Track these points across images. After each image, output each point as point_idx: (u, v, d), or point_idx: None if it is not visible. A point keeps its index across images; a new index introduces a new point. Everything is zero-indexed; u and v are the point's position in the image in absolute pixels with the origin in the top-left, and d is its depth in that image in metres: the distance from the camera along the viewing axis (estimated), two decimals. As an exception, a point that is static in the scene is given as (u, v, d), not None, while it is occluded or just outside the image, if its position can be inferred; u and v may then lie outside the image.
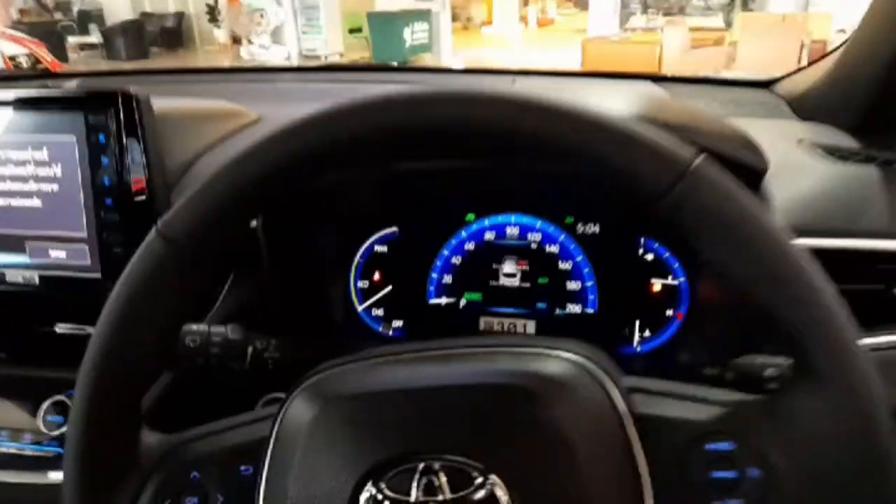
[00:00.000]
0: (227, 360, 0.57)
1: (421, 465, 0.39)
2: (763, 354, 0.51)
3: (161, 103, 0.70)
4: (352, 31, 10.18)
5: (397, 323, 0.82)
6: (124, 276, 0.40)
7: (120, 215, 0.67)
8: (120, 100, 0.66)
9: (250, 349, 0.58)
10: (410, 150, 0.41)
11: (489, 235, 0.79)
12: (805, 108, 0.90)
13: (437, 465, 0.38)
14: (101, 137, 0.67)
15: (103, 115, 0.66)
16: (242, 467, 0.43)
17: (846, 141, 0.74)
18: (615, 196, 0.71)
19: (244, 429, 0.45)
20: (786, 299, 0.36)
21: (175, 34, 13.21)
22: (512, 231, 0.79)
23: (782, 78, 1.01)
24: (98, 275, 0.69)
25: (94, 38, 12.44)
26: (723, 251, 0.36)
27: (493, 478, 0.38)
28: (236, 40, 11.41)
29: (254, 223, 0.66)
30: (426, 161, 0.65)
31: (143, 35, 12.45)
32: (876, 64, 0.74)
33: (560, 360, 0.42)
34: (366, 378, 0.43)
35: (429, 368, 0.43)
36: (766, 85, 1.02)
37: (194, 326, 0.57)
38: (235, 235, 0.43)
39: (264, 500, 0.41)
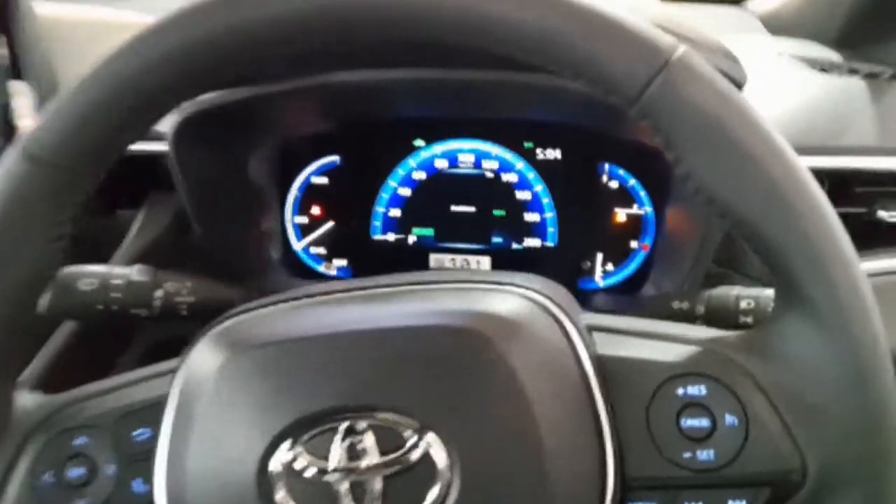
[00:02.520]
0: (132, 307, 0.49)
1: (344, 425, 0.32)
2: (738, 286, 0.46)
3: (51, 10, 0.60)
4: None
5: (340, 262, 0.75)
6: None
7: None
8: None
9: (159, 292, 0.50)
10: (322, 39, 0.33)
11: (440, 164, 0.72)
12: (781, 24, 0.84)
13: (363, 424, 0.32)
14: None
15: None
16: (138, 431, 0.37)
17: (827, 54, 0.68)
18: (577, 114, 0.65)
19: (140, 386, 0.38)
20: (778, 211, 0.30)
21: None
22: (465, 158, 0.72)
23: (754, -7, 0.94)
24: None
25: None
26: (709, 155, 0.30)
27: (430, 436, 0.32)
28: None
29: (164, 146, 0.57)
30: (361, 69, 0.57)
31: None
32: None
33: (511, 296, 0.36)
34: (282, 322, 0.37)
35: (357, 310, 0.36)
36: (736, 1, 0.95)
37: (90, 267, 0.49)
38: (120, 151, 0.35)
39: (163, 469, 0.35)
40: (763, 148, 0.30)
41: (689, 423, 0.33)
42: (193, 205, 0.58)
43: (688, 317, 0.45)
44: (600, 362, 0.35)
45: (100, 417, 0.37)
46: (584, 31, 0.31)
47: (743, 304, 0.43)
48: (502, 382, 0.32)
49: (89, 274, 0.49)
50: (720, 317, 0.44)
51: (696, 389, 0.33)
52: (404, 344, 0.34)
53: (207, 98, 0.57)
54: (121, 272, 0.50)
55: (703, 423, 0.33)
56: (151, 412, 0.36)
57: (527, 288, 0.37)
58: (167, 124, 0.56)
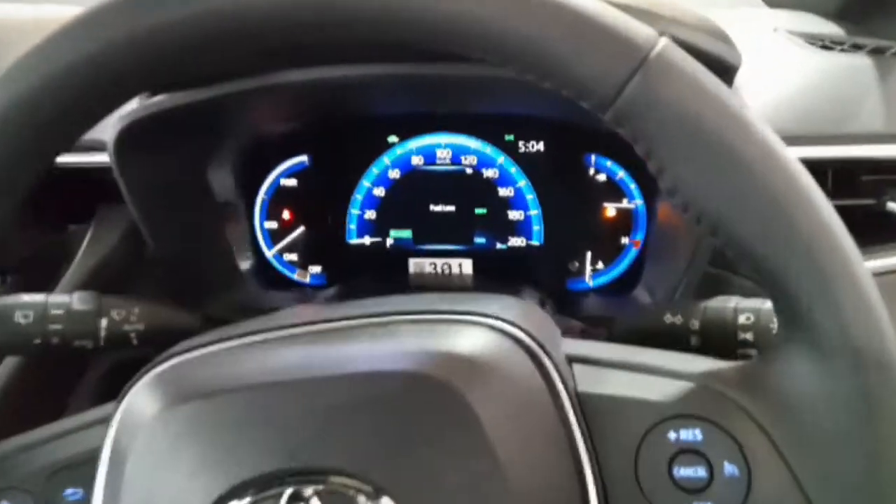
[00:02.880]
0: (75, 338, 0.45)
1: (289, 491, 0.28)
2: (736, 296, 0.41)
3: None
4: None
5: (315, 268, 0.71)
6: None
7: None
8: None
9: (104, 321, 0.46)
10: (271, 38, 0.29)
11: (416, 160, 0.68)
12: (776, -6, 0.78)
13: (309, 490, 0.28)
14: None
15: None
16: (69, 491, 0.33)
17: (828, 28, 0.63)
18: (560, 105, 0.60)
19: (73, 437, 0.35)
20: (778, 228, 0.25)
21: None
22: (443, 154, 0.67)
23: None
24: None
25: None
26: (697, 166, 0.26)
27: (385, 501, 0.28)
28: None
29: (105, 157, 0.52)
30: (325, 65, 0.52)
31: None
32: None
33: (479, 330, 0.32)
34: (225, 366, 0.32)
35: (306, 351, 0.32)
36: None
37: (26, 297, 0.45)
38: (43, 164, 0.31)
39: None
40: (759, 156, 0.25)
41: (682, 472, 0.29)
42: (144, 217, 0.54)
43: (682, 333, 0.41)
44: (582, 401, 0.31)
45: (28, 478, 0.34)
46: (548, 27, 0.26)
47: (742, 319, 0.39)
48: (466, 435, 0.28)
49: (25, 305, 0.44)
50: (717, 333, 0.40)
51: (691, 434, 0.29)
52: (356, 393, 0.29)
53: (155, 101, 0.53)
54: (60, 301, 0.45)
55: (700, 472, 0.29)
56: (84, 469, 0.32)
57: (499, 318, 0.32)
58: (108, 133, 0.51)
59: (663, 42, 0.26)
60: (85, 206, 0.58)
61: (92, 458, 0.32)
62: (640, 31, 0.26)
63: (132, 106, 0.52)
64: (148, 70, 0.28)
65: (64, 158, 0.56)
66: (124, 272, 0.57)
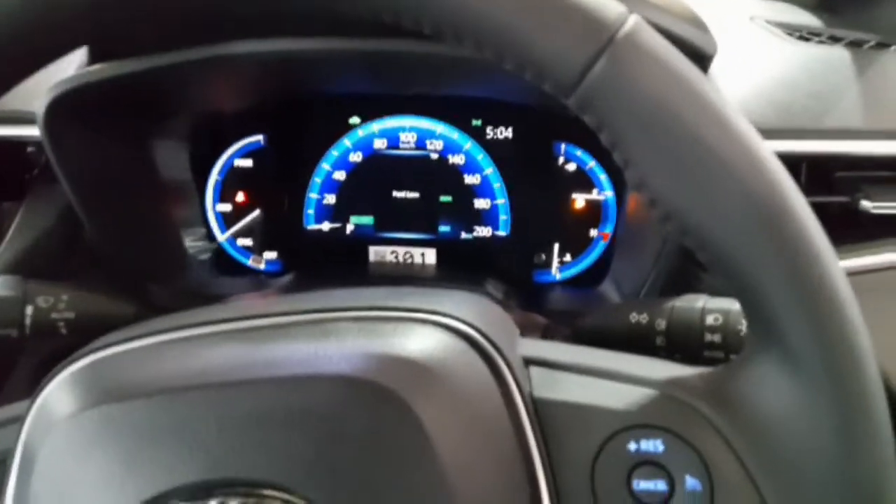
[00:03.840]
0: None
1: None
2: (705, 295, 0.39)
3: None
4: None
5: (270, 254, 0.67)
6: None
7: None
8: None
9: (29, 309, 0.42)
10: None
11: (379, 144, 0.65)
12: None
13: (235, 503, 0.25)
14: None
15: None
16: None
17: (806, 18, 0.61)
18: (530, 89, 0.57)
19: None
20: (750, 229, 0.23)
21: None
22: (407, 138, 0.64)
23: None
24: None
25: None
26: (665, 159, 0.24)
27: None
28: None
29: (33, 131, 0.48)
30: (278, 37, 0.49)
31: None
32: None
33: (429, 329, 0.29)
34: (148, 365, 0.29)
35: (236, 351, 0.29)
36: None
37: (-59, 284, 0.41)
38: None
39: None
40: (735, 152, 0.23)
41: (642, 485, 0.27)
42: (79, 197, 0.50)
43: (647, 333, 0.39)
44: (538, 408, 0.28)
45: None
46: (514, 13, 0.23)
47: (710, 320, 0.37)
48: (411, 447, 0.26)
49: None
50: (683, 334, 0.38)
51: (652, 445, 0.27)
52: (288, 400, 0.27)
53: (91, 71, 0.48)
54: None
55: (660, 485, 0.27)
56: None
57: (450, 317, 0.30)
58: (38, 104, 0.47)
59: (633, 20, 0.24)
60: (18, 181, 0.54)
61: (3, 460, 0.29)
62: (608, 7, 0.24)
63: (65, 75, 0.47)
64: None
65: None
66: (59, 255, 0.53)
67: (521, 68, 0.24)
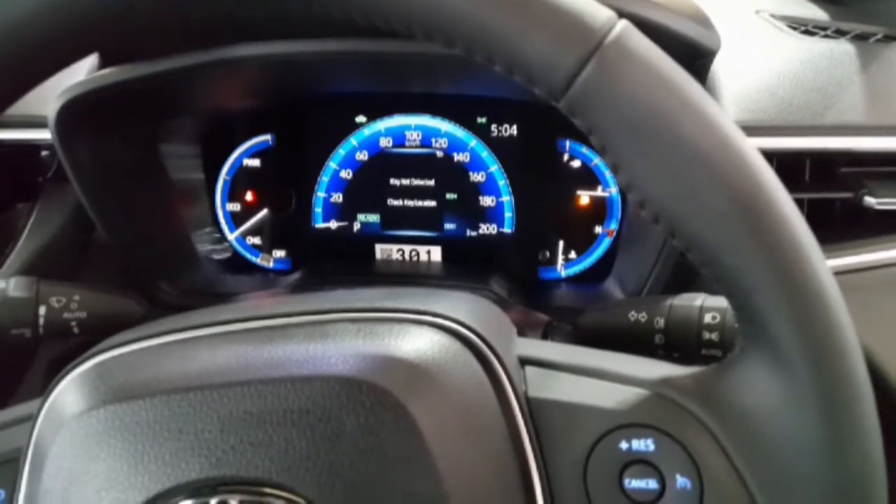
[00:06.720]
0: (12, 327, 0.42)
1: (213, 502, 0.26)
2: (704, 293, 0.40)
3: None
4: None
5: (279, 253, 0.68)
6: None
7: None
8: None
9: (42, 309, 0.43)
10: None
11: (385, 142, 0.65)
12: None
13: (235, 502, 0.26)
14: None
15: None
16: None
17: (812, 11, 0.60)
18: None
19: None
20: (739, 231, 0.24)
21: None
22: (412, 136, 0.65)
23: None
24: None
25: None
26: (654, 162, 0.24)
27: None
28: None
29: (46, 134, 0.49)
30: (283, 39, 0.49)
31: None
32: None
33: (426, 331, 0.30)
34: (153, 366, 0.30)
35: (238, 352, 0.30)
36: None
37: (-44, 285, 0.42)
38: None
39: None
40: (721, 156, 0.23)
41: (633, 483, 0.27)
42: (90, 198, 0.51)
43: (646, 331, 0.39)
44: (532, 407, 0.29)
45: None
46: (492, 2, 0.24)
47: (707, 318, 0.37)
48: (407, 447, 0.26)
49: (-45, 292, 0.42)
50: (681, 332, 0.38)
51: (643, 444, 0.27)
52: (287, 400, 0.27)
53: (100, 75, 0.49)
54: None
55: (651, 484, 0.27)
56: (7, 469, 0.31)
57: (446, 318, 0.30)
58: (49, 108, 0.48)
59: (621, 25, 0.24)
60: (31, 182, 0.55)
61: (16, 458, 0.30)
62: (596, 12, 0.24)
63: (75, 80, 0.49)
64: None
65: (7, 134, 0.53)
66: (71, 255, 0.54)
67: (510, 73, 0.25)
